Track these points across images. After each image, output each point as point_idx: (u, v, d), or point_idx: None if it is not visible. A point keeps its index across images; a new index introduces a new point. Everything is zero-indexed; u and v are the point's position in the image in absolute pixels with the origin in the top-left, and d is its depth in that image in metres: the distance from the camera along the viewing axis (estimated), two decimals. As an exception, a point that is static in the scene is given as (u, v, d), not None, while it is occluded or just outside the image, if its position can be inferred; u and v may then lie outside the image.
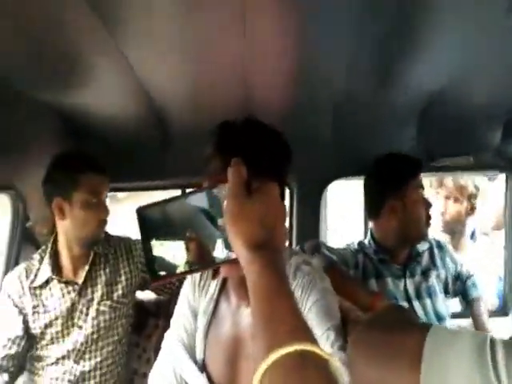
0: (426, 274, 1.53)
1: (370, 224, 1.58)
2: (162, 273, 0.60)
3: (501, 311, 1.97)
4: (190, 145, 1.53)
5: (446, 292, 1.58)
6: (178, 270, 0.61)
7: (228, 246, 0.61)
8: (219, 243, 0.62)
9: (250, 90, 1.24)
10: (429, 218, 1.46)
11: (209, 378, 1.02)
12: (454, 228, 2.13)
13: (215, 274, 1.06)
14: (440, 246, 1.61)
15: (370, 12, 0.89)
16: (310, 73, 1.19)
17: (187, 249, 0.62)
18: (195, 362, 1.05)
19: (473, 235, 2.24)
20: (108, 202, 1.44)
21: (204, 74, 1.13)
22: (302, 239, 1.69)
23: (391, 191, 1.43)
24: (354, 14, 0.89)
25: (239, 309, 1.01)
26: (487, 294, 1.81)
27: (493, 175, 2.29)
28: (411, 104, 1.50)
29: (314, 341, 0.45)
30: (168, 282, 1.58)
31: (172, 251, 0.61)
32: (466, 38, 1.01)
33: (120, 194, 7.16)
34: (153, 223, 0.60)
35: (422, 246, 1.55)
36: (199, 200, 0.61)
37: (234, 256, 0.59)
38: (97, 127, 1.44)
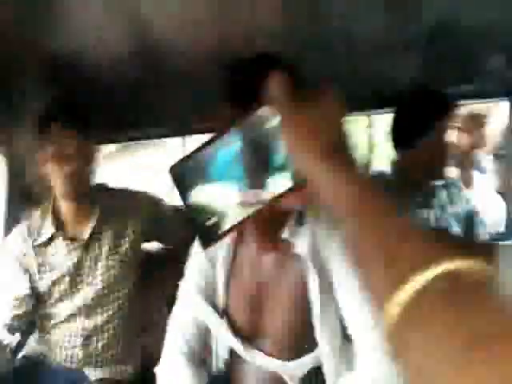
0: (443, 208, 1.56)
1: (396, 156, 1.58)
2: (217, 232, 0.51)
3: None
4: (187, 89, 1.43)
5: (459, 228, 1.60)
6: (231, 218, 0.52)
7: (285, 171, 0.51)
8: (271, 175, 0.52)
9: (248, 30, 1.15)
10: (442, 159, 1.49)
11: (231, 324, 1.01)
12: (465, 161, 2.09)
13: None
14: (454, 184, 1.64)
15: None
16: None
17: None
18: (217, 310, 1.04)
19: (481, 168, 2.21)
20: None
21: (202, 14, 1.04)
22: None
23: (424, 129, 1.43)
24: None
25: (260, 251, 0.97)
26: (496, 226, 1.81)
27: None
28: (416, 32, 1.42)
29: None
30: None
31: (216, 196, 0.52)
32: None
33: (111, 149, 6.99)
34: (191, 178, 0.51)
35: (439, 181, 1.57)
36: (235, 137, 0.52)
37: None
38: (87, 73, 1.33)
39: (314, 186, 0.45)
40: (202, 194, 0.52)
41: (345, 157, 0.45)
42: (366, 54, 1.56)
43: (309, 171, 0.46)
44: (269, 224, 0.93)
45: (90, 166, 1.35)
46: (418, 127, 1.45)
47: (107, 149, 6.81)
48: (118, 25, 1.09)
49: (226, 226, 0.51)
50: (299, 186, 0.50)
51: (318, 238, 0.90)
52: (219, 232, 0.51)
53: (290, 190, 0.51)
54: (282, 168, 0.50)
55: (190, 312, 1.04)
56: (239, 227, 0.52)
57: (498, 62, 1.65)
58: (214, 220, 0.51)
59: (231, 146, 0.52)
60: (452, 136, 1.83)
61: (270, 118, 0.50)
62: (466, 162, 2.10)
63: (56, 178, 1.28)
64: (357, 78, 1.64)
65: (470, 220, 1.64)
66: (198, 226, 0.51)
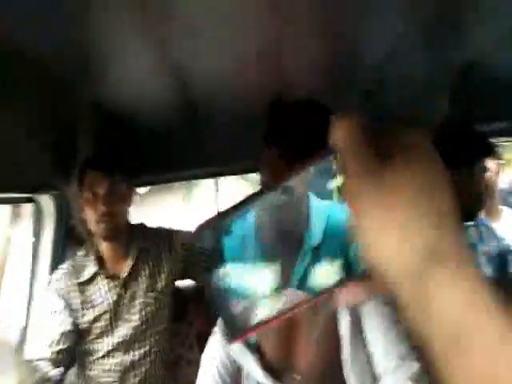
0: (473, 247, 1.53)
1: None
2: (249, 325, 0.38)
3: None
4: (223, 131, 1.51)
5: (489, 268, 1.58)
6: (268, 313, 0.38)
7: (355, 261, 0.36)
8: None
9: (285, 76, 1.20)
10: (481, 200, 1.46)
11: (262, 360, 1.03)
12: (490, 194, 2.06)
13: None
14: (484, 223, 1.62)
15: None
16: (343, 61, 1.15)
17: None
18: (248, 344, 1.07)
19: (509, 202, 2.18)
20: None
21: (239, 57, 1.08)
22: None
23: (464, 168, 1.39)
24: None
25: None
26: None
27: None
28: (448, 69, 1.45)
29: None
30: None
31: (252, 278, 0.39)
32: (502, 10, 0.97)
33: (141, 190, 7.24)
34: (226, 246, 0.39)
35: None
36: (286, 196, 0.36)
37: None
38: (131, 120, 1.44)
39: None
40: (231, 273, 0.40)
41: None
42: (401, 95, 1.60)
43: (379, 267, 0.30)
44: None
45: (123, 206, 1.45)
46: (457, 166, 1.38)
47: (142, 190, 7.05)
48: (160, 77, 1.15)
49: (257, 318, 0.38)
50: (358, 277, 0.36)
51: None
52: (247, 324, 0.38)
53: (342, 282, 0.36)
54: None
55: (222, 350, 1.06)
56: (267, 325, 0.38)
57: None
58: (243, 306, 0.38)
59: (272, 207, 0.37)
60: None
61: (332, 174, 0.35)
62: (492, 195, 2.08)
63: (91, 219, 1.39)
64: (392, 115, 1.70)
65: (503, 258, 1.61)
66: (222, 311, 0.39)
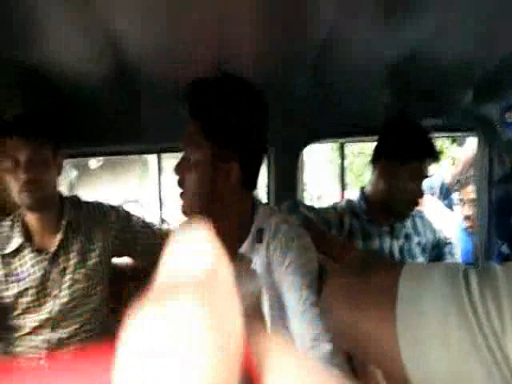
0: (408, 238, 1.57)
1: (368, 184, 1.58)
2: None
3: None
4: (164, 107, 1.47)
5: (424, 257, 1.63)
6: None
7: None
8: None
9: (226, 46, 1.18)
10: (416, 200, 1.48)
11: None
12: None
13: None
14: (421, 216, 1.66)
15: None
16: (289, 33, 1.14)
17: None
18: None
19: (443, 193, 2.29)
20: (76, 172, 1.39)
21: (179, 30, 1.07)
22: (280, 200, 1.68)
23: (391, 158, 1.44)
24: None
25: None
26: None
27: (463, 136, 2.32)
28: (385, 66, 1.48)
29: None
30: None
31: None
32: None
33: (92, 164, 7.00)
34: None
35: None
36: None
37: None
38: (63, 86, 1.36)
39: None
40: None
41: None
42: (339, 86, 1.62)
43: None
44: (229, 237, 0.98)
45: (50, 174, 1.35)
46: (384, 153, 1.46)
47: (93, 164, 6.81)
48: (94, 42, 1.11)
49: None
50: None
51: (273, 257, 0.94)
52: None
53: None
54: None
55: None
56: None
57: (467, 96, 1.73)
58: None
59: None
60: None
61: None
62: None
63: (14, 188, 1.30)
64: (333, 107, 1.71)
65: (438, 250, 1.67)
66: None
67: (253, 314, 0.95)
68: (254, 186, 1.03)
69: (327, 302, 0.63)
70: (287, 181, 1.78)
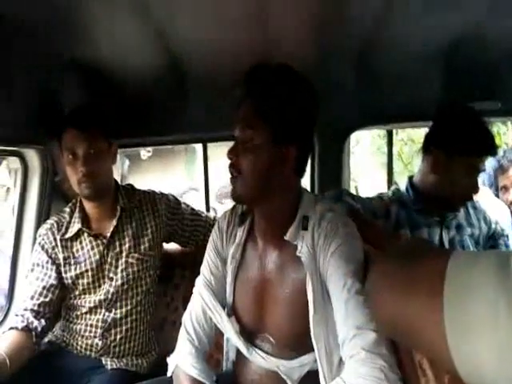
0: (460, 229, 1.50)
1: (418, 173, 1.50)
2: None
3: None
4: (209, 97, 1.50)
5: (477, 250, 1.53)
6: None
7: None
8: None
9: (272, 37, 1.19)
10: (471, 195, 1.40)
11: (237, 319, 1.08)
12: None
13: (241, 222, 1.10)
14: (475, 206, 1.57)
15: None
16: (335, 20, 1.13)
17: None
18: (224, 304, 1.11)
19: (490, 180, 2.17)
20: (127, 162, 1.47)
21: (226, 22, 1.08)
22: (325, 189, 1.67)
23: (447, 149, 1.35)
24: None
25: (265, 252, 1.05)
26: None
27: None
28: (437, 49, 1.41)
29: None
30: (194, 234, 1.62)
31: None
32: None
33: (143, 154, 7.26)
34: None
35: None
36: None
37: None
38: (115, 80, 1.43)
39: None
40: None
41: None
42: (388, 73, 1.57)
43: None
44: (275, 224, 1.00)
45: (105, 165, 1.44)
46: (455, 151, 1.34)
47: (144, 155, 7.06)
48: (145, 37, 1.15)
49: None
50: None
51: (317, 244, 0.95)
52: None
53: None
54: None
55: (200, 307, 1.11)
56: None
57: None
58: None
59: None
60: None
61: None
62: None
63: (73, 180, 1.39)
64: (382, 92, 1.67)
65: (492, 241, 1.59)
66: None
67: (297, 300, 0.97)
68: (303, 172, 1.04)
69: (372, 288, 0.63)
70: (332, 169, 1.77)
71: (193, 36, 1.16)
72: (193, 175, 6.87)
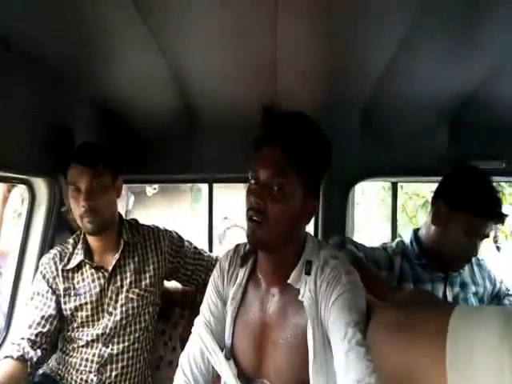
0: (464, 286, 1.49)
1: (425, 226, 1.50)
2: None
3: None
4: (218, 140, 1.55)
5: None
6: None
7: None
8: None
9: (280, 87, 1.25)
10: (469, 258, 1.42)
11: (235, 362, 1.07)
12: None
13: (243, 263, 1.11)
14: (480, 264, 1.56)
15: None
16: (340, 73, 1.19)
17: None
18: (222, 346, 1.10)
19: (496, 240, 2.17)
20: (132, 197, 1.50)
21: (237, 71, 1.14)
22: (328, 237, 1.69)
23: (453, 207, 1.36)
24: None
25: (268, 294, 1.05)
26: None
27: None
28: (443, 106, 1.47)
29: None
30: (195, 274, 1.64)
31: None
32: (503, 38, 0.98)
33: (149, 191, 7.34)
34: None
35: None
36: None
37: None
38: (128, 119, 1.48)
39: None
40: None
41: None
42: (393, 127, 1.63)
43: None
44: (279, 267, 1.01)
45: (108, 200, 1.45)
46: (461, 210, 1.34)
47: (150, 191, 7.15)
48: (159, 79, 1.20)
49: None
50: None
51: (320, 291, 0.96)
52: None
53: None
54: None
55: (199, 348, 1.10)
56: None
57: None
58: None
59: None
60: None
61: None
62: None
63: (76, 213, 1.42)
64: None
65: (497, 300, 1.57)
66: None
67: (297, 346, 0.96)
68: (311, 218, 1.06)
69: (374, 338, 0.64)
70: (336, 218, 1.79)
71: (205, 81, 1.22)
72: (197, 213, 6.90)
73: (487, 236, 1.37)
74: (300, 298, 0.97)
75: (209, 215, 2.04)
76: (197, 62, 1.10)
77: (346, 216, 1.82)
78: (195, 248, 1.66)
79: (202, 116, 1.50)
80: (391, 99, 1.42)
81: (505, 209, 1.39)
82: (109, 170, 1.45)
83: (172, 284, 1.71)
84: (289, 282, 0.99)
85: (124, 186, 1.58)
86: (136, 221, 1.63)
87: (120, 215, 1.57)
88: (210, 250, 1.98)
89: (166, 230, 1.62)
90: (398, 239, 1.57)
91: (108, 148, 1.49)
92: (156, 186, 7.29)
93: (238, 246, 1.17)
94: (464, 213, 1.33)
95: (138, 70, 1.14)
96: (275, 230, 0.96)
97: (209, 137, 1.59)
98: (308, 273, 0.99)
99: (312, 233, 1.81)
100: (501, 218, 1.34)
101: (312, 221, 2.03)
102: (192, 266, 1.63)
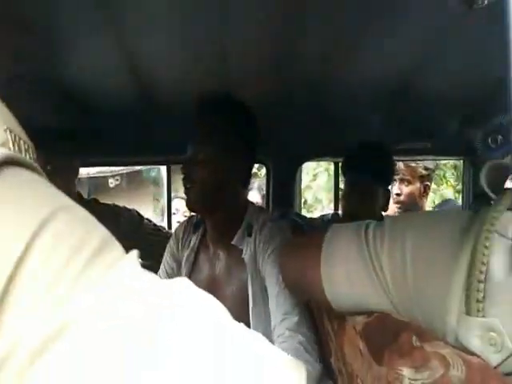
0: None
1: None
2: None
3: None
4: (173, 121, 1.63)
5: None
6: None
7: None
8: None
9: (231, 70, 1.33)
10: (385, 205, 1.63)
11: None
12: (410, 209, 2.19)
13: (195, 230, 1.26)
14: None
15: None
16: (287, 59, 1.25)
17: None
18: None
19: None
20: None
21: (186, 52, 1.18)
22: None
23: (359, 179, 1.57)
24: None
25: (216, 255, 1.20)
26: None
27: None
28: (379, 92, 1.59)
29: None
30: None
31: None
32: (428, 29, 1.07)
33: (111, 182, 7.26)
34: None
35: None
36: None
37: None
38: (83, 103, 1.53)
39: None
40: None
41: None
42: (336, 109, 1.75)
43: None
44: (223, 231, 1.17)
45: (66, 183, 1.54)
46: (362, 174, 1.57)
47: (112, 183, 7.08)
48: (113, 66, 1.24)
49: None
50: None
51: (258, 248, 1.12)
52: None
53: None
54: None
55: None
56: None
57: (454, 123, 1.85)
58: None
59: None
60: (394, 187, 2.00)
61: None
62: (412, 210, 2.18)
63: None
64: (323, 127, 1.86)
65: None
66: None
67: (241, 296, 1.12)
68: (248, 185, 1.23)
69: (280, 260, 0.81)
70: (285, 193, 1.94)
71: (158, 65, 1.26)
72: (158, 210, 6.92)
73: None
74: (243, 256, 1.12)
75: (167, 196, 2.15)
76: (149, 47, 1.16)
77: (294, 194, 1.97)
78: (154, 225, 1.77)
79: (158, 100, 1.56)
80: (333, 86, 1.52)
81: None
82: (65, 152, 1.53)
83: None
84: (232, 243, 1.14)
85: (85, 178, 1.65)
86: (95, 199, 1.72)
87: (79, 194, 1.65)
88: (170, 227, 2.08)
89: (125, 208, 1.71)
90: (332, 212, 1.75)
91: (66, 130, 1.55)
92: (118, 177, 7.26)
93: (191, 216, 1.32)
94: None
95: (92, 54, 1.17)
96: (203, 193, 1.11)
97: (164, 120, 1.67)
98: (249, 234, 1.14)
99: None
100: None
101: (262, 199, 2.17)
102: (150, 241, 1.74)
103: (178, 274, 1.25)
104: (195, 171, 1.11)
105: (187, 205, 1.14)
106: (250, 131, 1.16)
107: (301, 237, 0.87)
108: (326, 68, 1.33)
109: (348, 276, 0.55)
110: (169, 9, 0.98)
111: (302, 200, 5.12)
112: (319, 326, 0.97)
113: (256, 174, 3.09)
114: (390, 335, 0.49)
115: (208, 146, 1.11)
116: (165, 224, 2.08)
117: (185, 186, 1.13)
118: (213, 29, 1.06)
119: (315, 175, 4.99)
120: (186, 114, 1.20)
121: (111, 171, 6.89)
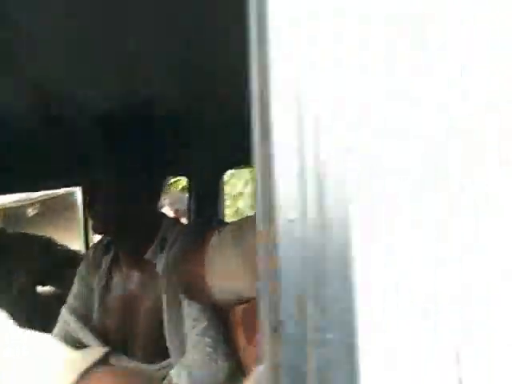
0: None
1: None
2: None
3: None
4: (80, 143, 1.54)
5: None
6: None
7: None
8: None
9: (143, 84, 1.27)
10: None
11: (105, 338, 1.15)
12: None
13: (107, 250, 1.21)
14: None
15: None
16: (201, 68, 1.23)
17: None
18: (91, 327, 1.18)
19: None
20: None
21: (97, 69, 1.15)
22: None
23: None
24: None
25: (129, 273, 1.18)
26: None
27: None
28: None
29: None
30: None
31: None
32: None
33: (29, 212, 6.76)
34: None
35: None
36: None
37: None
38: None
39: None
40: None
41: None
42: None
43: None
44: (134, 248, 1.14)
45: None
46: None
47: (30, 212, 6.59)
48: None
49: None
50: None
51: (170, 262, 1.10)
52: None
53: None
54: None
55: (62, 333, 1.18)
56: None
57: None
58: None
59: None
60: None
61: None
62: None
63: None
64: None
65: None
66: None
67: (155, 310, 1.10)
68: (158, 200, 1.23)
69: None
70: (207, 204, 1.91)
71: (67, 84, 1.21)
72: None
73: None
74: (157, 269, 1.10)
75: (84, 222, 2.05)
76: (57, 67, 1.10)
77: (218, 203, 1.95)
78: (69, 250, 1.67)
79: (69, 119, 1.47)
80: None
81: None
82: None
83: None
84: (146, 257, 1.11)
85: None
86: (2, 229, 1.59)
87: None
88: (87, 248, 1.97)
89: (35, 235, 1.61)
90: None
91: None
92: (37, 204, 6.77)
93: (103, 237, 1.27)
94: None
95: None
96: (107, 216, 1.11)
97: (74, 143, 1.57)
98: (162, 248, 1.12)
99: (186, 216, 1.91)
100: None
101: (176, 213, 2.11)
102: (63, 266, 1.62)
103: (90, 299, 1.20)
104: (97, 196, 1.09)
105: (92, 229, 1.15)
106: (154, 148, 1.14)
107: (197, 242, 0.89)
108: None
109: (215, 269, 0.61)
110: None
111: (234, 209, 5.14)
112: (230, 326, 1.00)
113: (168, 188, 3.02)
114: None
115: (107, 169, 1.10)
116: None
117: (88, 209, 1.13)
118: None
119: (247, 181, 5.01)
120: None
121: (30, 199, 6.43)
